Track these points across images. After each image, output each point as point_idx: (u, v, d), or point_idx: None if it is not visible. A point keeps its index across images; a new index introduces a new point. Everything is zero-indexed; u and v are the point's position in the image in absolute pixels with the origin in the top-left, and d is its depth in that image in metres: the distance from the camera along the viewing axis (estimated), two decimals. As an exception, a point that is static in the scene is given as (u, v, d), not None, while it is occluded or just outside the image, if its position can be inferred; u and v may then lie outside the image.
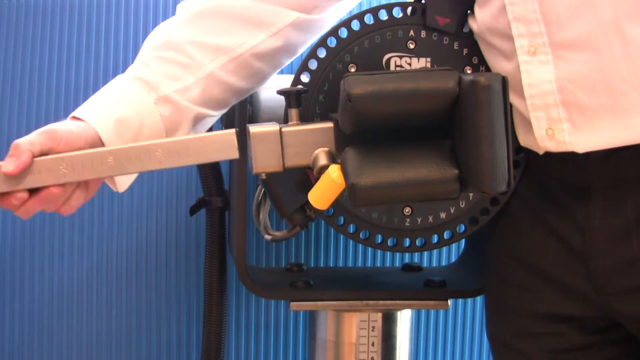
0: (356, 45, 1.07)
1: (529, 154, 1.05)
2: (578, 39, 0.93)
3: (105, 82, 1.56)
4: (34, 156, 0.97)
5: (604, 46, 0.92)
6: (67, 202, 1.01)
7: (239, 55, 1.08)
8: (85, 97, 1.61)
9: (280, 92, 1.02)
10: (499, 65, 1.02)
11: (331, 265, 1.62)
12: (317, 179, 0.97)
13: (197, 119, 1.10)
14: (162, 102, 1.06)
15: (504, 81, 0.89)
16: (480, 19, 1.02)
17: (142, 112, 1.04)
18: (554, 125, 0.96)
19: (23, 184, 0.97)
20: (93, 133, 1.01)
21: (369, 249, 1.62)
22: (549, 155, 0.99)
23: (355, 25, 1.08)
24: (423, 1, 1.07)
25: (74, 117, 1.03)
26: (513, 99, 0.99)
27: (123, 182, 1.09)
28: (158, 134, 1.06)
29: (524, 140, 1.02)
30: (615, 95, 0.92)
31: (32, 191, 0.99)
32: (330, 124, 0.99)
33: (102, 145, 1.02)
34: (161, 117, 1.06)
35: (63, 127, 1.00)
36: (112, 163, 0.99)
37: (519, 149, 1.06)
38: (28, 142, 0.98)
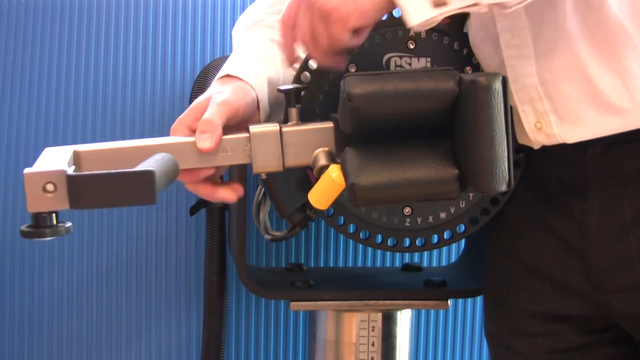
0: (356, 45, 1.07)
1: (528, 153, 1.05)
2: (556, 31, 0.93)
3: (105, 82, 1.56)
4: None
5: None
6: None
7: None
8: (85, 97, 1.60)
9: (280, 90, 1.02)
10: (486, 62, 1.02)
11: (331, 265, 1.62)
12: (317, 179, 0.97)
13: None
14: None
15: (504, 81, 0.89)
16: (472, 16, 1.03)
17: (281, 72, 1.05)
18: (541, 118, 0.97)
19: (215, 162, 0.95)
20: (254, 98, 1.00)
21: (369, 249, 1.62)
22: (546, 153, 1.00)
23: (355, 25, 1.08)
24: (423, 1, 1.07)
25: (229, 76, 1.01)
26: None
27: None
28: (281, 95, 1.04)
29: (520, 137, 1.02)
30: (595, 82, 0.92)
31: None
32: (330, 124, 0.99)
33: (257, 107, 1.00)
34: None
35: (233, 95, 0.97)
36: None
37: (519, 149, 1.06)
38: (217, 115, 0.93)
